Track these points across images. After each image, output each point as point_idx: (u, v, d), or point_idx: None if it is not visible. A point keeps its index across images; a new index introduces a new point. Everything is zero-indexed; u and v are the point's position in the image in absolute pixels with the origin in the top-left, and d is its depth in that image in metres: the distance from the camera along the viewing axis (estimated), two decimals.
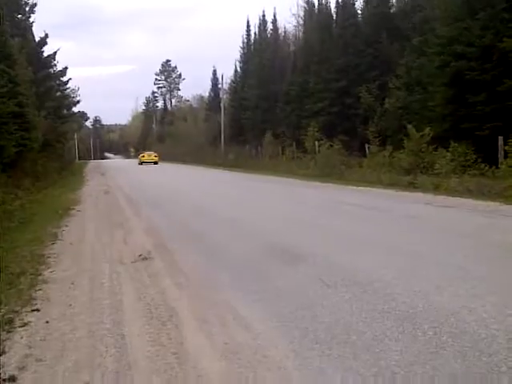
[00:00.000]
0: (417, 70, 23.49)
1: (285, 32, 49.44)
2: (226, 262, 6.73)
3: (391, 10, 32.11)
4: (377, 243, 7.58)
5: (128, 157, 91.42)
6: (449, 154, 17.92)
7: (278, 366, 3.52)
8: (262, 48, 46.44)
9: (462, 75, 18.95)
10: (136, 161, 54.52)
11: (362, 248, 7.23)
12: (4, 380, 3.46)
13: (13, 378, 3.47)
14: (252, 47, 50.40)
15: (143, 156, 53.02)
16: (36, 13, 29.83)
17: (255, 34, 50.18)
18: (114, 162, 69.21)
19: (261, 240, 7.98)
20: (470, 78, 18.54)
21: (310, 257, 6.62)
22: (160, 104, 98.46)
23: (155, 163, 49.67)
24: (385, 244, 7.52)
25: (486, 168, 16.45)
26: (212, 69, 69.61)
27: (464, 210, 11.35)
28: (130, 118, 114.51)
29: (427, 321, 4.18)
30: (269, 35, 48.33)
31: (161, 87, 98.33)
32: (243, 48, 51.95)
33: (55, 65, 33.83)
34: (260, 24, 49.12)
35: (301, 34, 45.98)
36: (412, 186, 16.46)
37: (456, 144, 17.89)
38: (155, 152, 54.78)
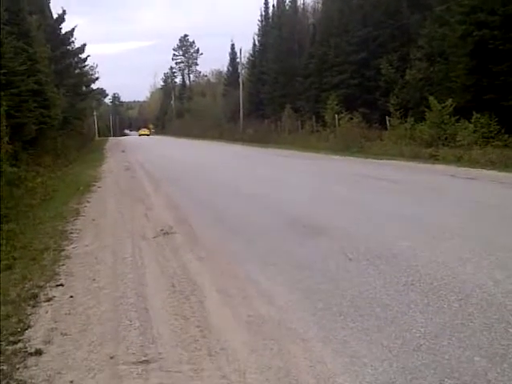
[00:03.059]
0: (438, 40, 22.86)
1: (303, 4, 48.49)
2: (246, 236, 6.71)
3: None
4: (399, 215, 7.50)
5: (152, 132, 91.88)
6: (471, 125, 17.59)
7: (301, 338, 3.52)
8: (280, 21, 45.62)
9: (484, 44, 18.43)
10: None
11: (385, 220, 7.15)
12: (30, 353, 3.50)
13: (39, 352, 3.52)
14: (270, 20, 49.53)
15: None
16: None
17: (273, 6, 49.26)
18: (134, 138, 69.46)
19: (281, 214, 7.95)
20: (493, 48, 18.03)
21: (331, 230, 6.58)
22: (178, 80, 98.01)
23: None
24: (407, 216, 7.44)
25: (510, 139, 16.14)
26: (230, 43, 68.77)
27: (487, 181, 11.16)
28: (148, 95, 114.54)
29: (452, 293, 4.13)
30: (287, 8, 47.47)
31: (179, 63, 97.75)
32: (261, 21, 51.12)
33: (73, 42, 33.70)
34: None
35: (320, 6, 45.15)
36: (434, 159, 16.22)
37: (479, 115, 17.54)
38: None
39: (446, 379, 2.90)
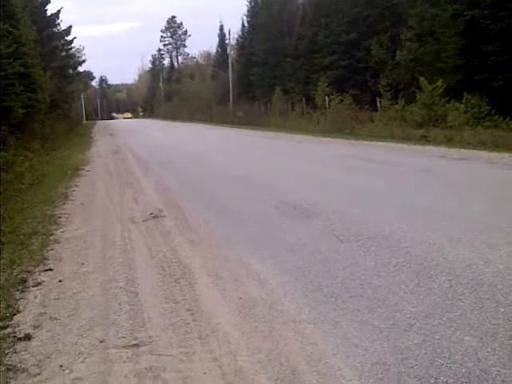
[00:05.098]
0: (429, 20, 22.74)
1: None
2: (237, 219, 6.69)
3: None
4: (390, 197, 7.50)
5: (136, 116, 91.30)
6: (462, 105, 17.57)
7: (292, 319, 3.51)
8: (269, 1, 45.17)
9: (475, 24, 18.32)
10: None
11: (375, 202, 7.15)
12: (19, 339, 3.47)
13: (28, 337, 3.49)
14: (259, 0, 49.14)
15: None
16: None
17: None
18: (122, 121, 69.00)
19: (271, 196, 7.91)
20: (484, 27, 17.94)
21: (322, 212, 6.56)
22: (166, 62, 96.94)
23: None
24: (398, 198, 7.44)
25: (501, 119, 16.16)
26: (219, 24, 68.00)
27: (478, 162, 11.18)
28: (136, 77, 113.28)
29: (443, 273, 4.13)
30: None
31: (167, 44, 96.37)
32: (250, 2, 50.54)
33: (59, 24, 33.26)
34: None
35: None
36: (425, 140, 16.22)
37: (469, 95, 17.50)
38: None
39: (436, 359, 2.91)
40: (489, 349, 2.98)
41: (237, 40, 53.73)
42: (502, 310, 3.43)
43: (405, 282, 4.02)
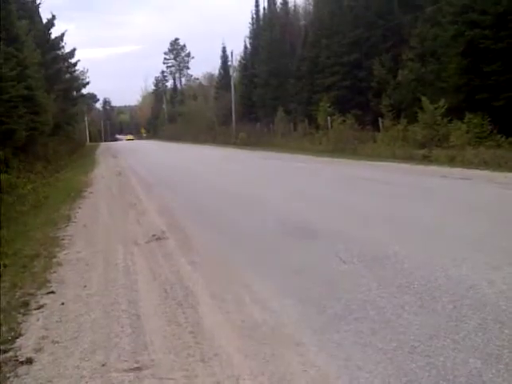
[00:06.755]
0: (430, 40, 22.95)
1: (295, 6, 48.58)
2: (239, 240, 6.67)
3: None
4: (393, 218, 7.48)
5: (140, 138, 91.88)
6: (464, 125, 17.62)
7: (295, 342, 3.48)
8: (271, 23, 45.60)
9: (476, 44, 18.49)
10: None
11: (378, 223, 7.13)
12: (21, 362, 3.45)
13: (30, 360, 3.47)
14: (261, 23, 49.48)
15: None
16: None
17: (264, 8, 49.20)
18: (126, 143, 69.31)
19: (274, 217, 7.91)
20: (485, 47, 18.09)
21: (325, 233, 6.55)
22: (170, 83, 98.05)
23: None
24: (401, 218, 7.42)
25: (503, 139, 16.19)
26: (221, 46, 68.68)
27: (481, 181, 11.18)
28: (139, 99, 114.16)
29: (446, 294, 4.11)
30: (278, 10, 47.51)
31: (170, 66, 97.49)
32: (252, 24, 51.01)
33: (63, 47, 33.68)
34: None
35: (311, 7, 45.14)
36: (427, 160, 16.25)
37: (471, 115, 17.57)
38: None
39: (440, 381, 2.88)
40: (493, 370, 2.95)
41: (239, 61, 54.34)
42: (507, 331, 3.41)
43: (408, 303, 4.00)
